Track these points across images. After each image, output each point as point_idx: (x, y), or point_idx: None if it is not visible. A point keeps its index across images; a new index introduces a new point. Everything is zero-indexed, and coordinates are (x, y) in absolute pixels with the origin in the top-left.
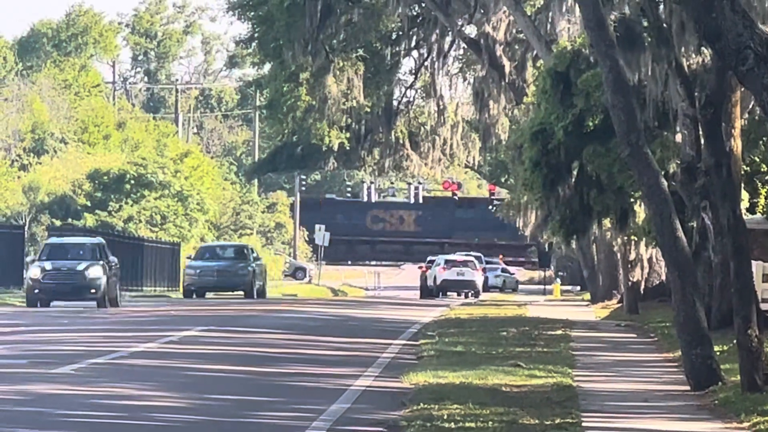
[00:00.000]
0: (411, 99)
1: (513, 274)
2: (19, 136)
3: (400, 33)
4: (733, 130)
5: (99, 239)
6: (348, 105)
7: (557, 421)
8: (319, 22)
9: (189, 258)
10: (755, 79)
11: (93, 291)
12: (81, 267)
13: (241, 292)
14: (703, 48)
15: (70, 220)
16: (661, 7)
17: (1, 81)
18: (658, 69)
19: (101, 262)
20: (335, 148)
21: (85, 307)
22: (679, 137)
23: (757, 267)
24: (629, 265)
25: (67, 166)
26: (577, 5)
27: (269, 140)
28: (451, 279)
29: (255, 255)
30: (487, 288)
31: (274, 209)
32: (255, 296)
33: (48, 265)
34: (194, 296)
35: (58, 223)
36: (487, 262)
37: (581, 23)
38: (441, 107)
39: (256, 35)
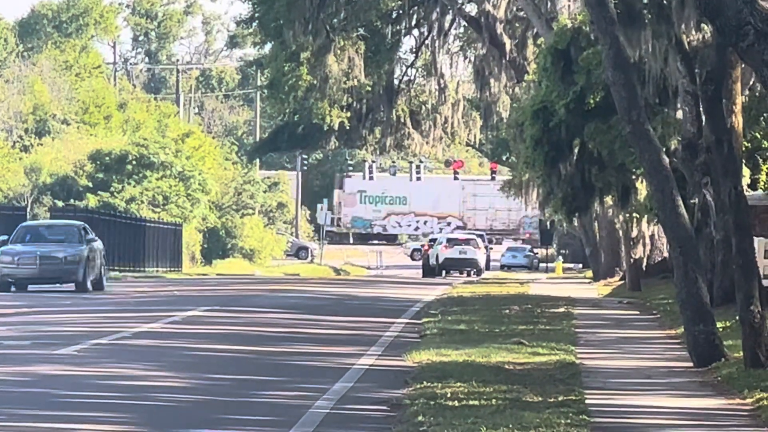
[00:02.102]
0: (412, 78)
1: (537, 254)
2: (20, 118)
3: (401, 11)
4: (734, 107)
5: None
6: (349, 84)
7: (560, 398)
8: (319, 1)
9: (4, 242)
10: (755, 55)
11: None
12: None
13: (71, 285)
14: (703, 24)
15: (72, 201)
16: None
17: (2, 63)
18: (658, 46)
19: None
20: (336, 127)
21: None
22: (679, 114)
23: (759, 243)
24: (631, 243)
25: (69, 147)
26: None
27: (270, 120)
28: (453, 257)
29: (91, 236)
30: (517, 267)
31: (276, 189)
32: (89, 288)
33: None
34: (12, 289)
35: (60, 204)
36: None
37: (581, 0)
38: (442, 86)
39: (256, 15)
